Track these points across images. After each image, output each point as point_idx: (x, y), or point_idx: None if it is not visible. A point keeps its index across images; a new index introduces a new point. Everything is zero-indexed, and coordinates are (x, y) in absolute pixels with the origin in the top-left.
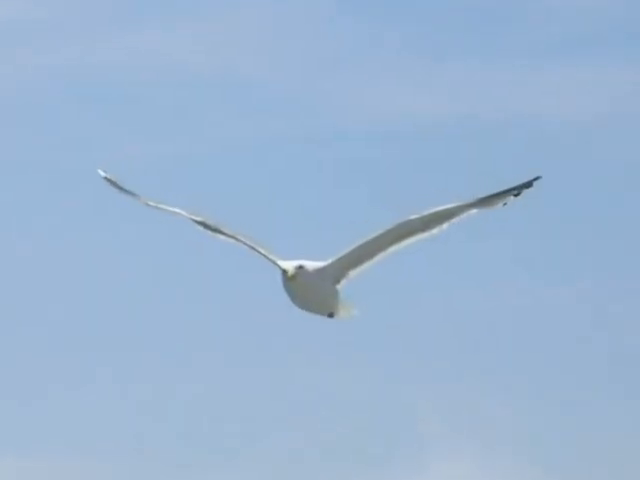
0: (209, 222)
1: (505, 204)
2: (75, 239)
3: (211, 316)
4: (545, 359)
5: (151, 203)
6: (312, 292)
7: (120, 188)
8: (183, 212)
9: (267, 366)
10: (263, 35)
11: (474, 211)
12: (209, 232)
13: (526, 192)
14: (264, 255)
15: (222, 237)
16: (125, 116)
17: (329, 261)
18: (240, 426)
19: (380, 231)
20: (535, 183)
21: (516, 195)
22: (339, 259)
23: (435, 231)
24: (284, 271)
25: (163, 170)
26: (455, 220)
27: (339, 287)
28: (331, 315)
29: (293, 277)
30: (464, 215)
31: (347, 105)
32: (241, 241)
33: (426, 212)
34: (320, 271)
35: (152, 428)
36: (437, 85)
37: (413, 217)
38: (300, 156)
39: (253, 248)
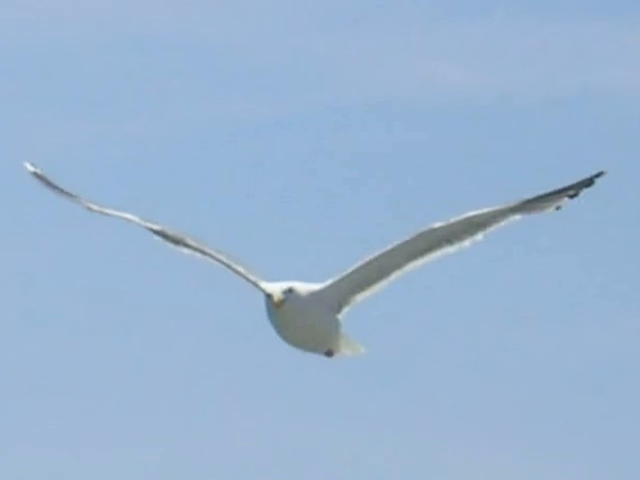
0: (169, 232)
1: (558, 208)
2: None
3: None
4: (617, 420)
5: (94, 207)
6: (305, 323)
7: (54, 187)
8: (136, 219)
9: (255, 419)
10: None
11: (517, 217)
12: (170, 244)
13: (586, 192)
14: (242, 274)
15: (186, 250)
16: (72, 93)
17: (328, 282)
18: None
19: (395, 243)
20: (597, 180)
21: (572, 196)
22: (341, 280)
23: (466, 243)
24: (268, 295)
25: (126, 162)
26: (492, 229)
27: (341, 316)
28: (329, 353)
29: (280, 303)
30: (504, 222)
31: (355, 82)
32: (211, 255)
33: (454, 218)
34: (316, 295)
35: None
36: (465, 52)
37: (438, 225)
38: (299, 147)
39: (228, 265)
